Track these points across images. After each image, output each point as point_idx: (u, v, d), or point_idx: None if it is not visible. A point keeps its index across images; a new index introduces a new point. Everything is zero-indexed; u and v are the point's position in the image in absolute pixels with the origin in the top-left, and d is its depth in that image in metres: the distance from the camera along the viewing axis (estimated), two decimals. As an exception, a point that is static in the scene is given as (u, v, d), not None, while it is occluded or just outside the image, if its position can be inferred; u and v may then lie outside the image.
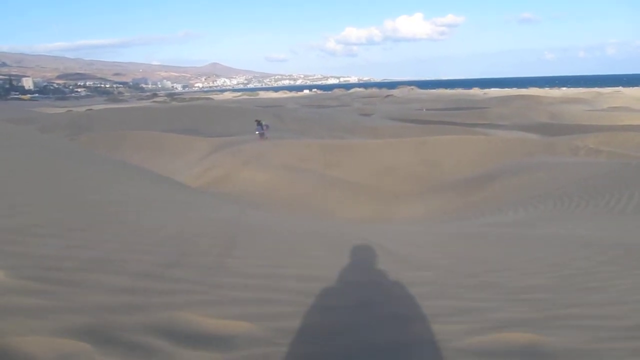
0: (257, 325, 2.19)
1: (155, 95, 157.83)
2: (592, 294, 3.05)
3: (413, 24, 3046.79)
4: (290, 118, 43.97)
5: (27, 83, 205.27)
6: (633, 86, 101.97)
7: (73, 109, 71.42)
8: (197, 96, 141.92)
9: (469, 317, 2.56)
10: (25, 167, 6.60)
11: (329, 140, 25.87)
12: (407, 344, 2.16)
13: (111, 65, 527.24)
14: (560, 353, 2.03)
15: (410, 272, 3.73)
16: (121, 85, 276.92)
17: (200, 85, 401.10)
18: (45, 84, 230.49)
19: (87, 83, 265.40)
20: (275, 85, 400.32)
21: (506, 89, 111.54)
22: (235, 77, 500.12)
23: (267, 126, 25.85)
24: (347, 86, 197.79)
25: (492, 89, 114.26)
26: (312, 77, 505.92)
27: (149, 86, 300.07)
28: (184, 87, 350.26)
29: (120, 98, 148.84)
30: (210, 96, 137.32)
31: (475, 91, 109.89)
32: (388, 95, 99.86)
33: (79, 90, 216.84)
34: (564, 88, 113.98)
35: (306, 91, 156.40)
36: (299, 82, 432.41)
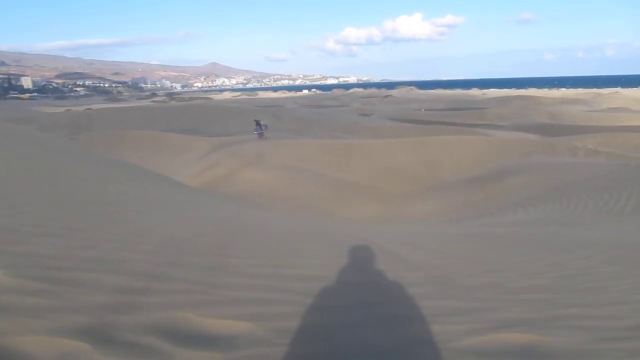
0: (257, 325, 2.19)
1: (154, 94, 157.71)
2: (592, 294, 3.05)
3: (412, 24, 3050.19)
4: (289, 118, 43.99)
5: (26, 82, 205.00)
6: (632, 87, 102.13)
7: (72, 109, 71.34)
8: (196, 96, 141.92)
9: (469, 317, 2.56)
10: (25, 167, 6.59)
11: (328, 141, 25.88)
12: (406, 344, 2.16)
13: (110, 64, 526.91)
14: (560, 353, 2.03)
15: (409, 272, 3.73)
16: (120, 85, 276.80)
17: (200, 85, 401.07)
18: (44, 83, 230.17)
19: (86, 82, 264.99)
20: (274, 85, 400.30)
21: (505, 90, 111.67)
22: (234, 77, 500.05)
23: (265, 126, 25.84)
24: (346, 86, 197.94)
25: (491, 90, 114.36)
26: (311, 77, 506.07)
27: (148, 86, 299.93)
28: (183, 86, 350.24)
29: (120, 97, 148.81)
30: (210, 96, 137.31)
31: (475, 92, 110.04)
32: (387, 96, 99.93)
33: (78, 89, 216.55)
34: (563, 89, 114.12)
35: (305, 91, 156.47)
36: (298, 82, 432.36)
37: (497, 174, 16.91)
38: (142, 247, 3.36)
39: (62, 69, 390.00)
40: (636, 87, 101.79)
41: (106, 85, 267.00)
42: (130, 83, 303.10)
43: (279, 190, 16.47)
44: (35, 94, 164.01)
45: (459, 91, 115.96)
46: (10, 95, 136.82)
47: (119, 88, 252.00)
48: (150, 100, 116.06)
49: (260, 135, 24.84)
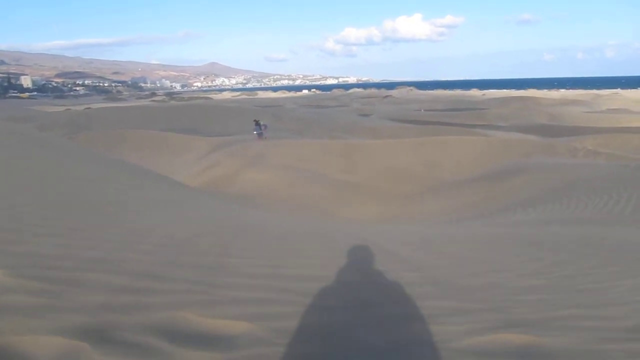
0: (257, 325, 2.19)
1: (154, 94, 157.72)
2: (592, 295, 3.06)
3: (412, 25, 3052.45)
4: (289, 118, 44.00)
5: (26, 81, 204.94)
6: (631, 88, 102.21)
7: (71, 108, 71.32)
8: (195, 95, 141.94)
9: (468, 317, 2.56)
10: (25, 166, 6.59)
11: (327, 141, 25.87)
12: (406, 344, 2.16)
13: (110, 64, 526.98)
14: (559, 354, 2.04)
15: (409, 272, 3.73)
16: (120, 84, 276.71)
17: (199, 84, 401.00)
18: (43, 82, 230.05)
19: (86, 82, 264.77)
20: (274, 85, 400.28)
21: (505, 90, 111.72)
22: (234, 77, 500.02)
23: (265, 126, 25.82)
24: (346, 86, 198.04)
25: (491, 90, 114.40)
26: (311, 77, 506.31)
27: (148, 85, 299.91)
28: (182, 86, 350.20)
29: (119, 97, 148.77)
30: (209, 96, 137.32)
31: (474, 92, 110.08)
32: (387, 96, 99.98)
33: (77, 88, 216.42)
34: (563, 89, 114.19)
35: (305, 91, 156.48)
36: (297, 82, 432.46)
37: (496, 174, 16.92)
38: (142, 247, 3.36)
39: (61, 68, 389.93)
40: (636, 88, 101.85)
41: (106, 84, 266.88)
42: (129, 82, 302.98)
43: (278, 190, 16.47)
44: (35, 93, 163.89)
45: (458, 92, 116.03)
46: (10, 95, 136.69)
47: (118, 87, 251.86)
48: (150, 99, 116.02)
49: (260, 135, 24.82)
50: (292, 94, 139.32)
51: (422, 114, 58.21)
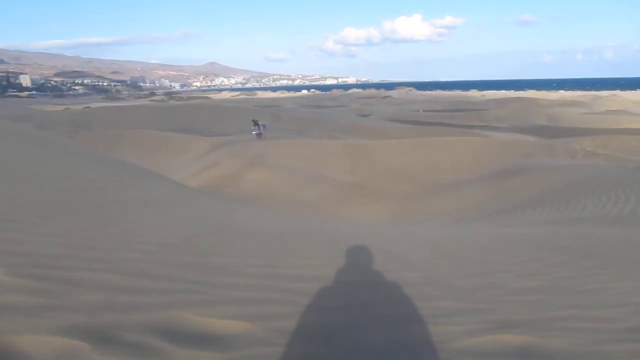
0: (256, 325, 2.19)
1: (153, 94, 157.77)
2: (591, 296, 3.06)
3: (412, 25, 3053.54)
4: (288, 118, 44.02)
5: (25, 80, 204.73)
6: (630, 89, 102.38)
7: (70, 107, 71.28)
8: (195, 95, 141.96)
9: (468, 318, 2.57)
10: (24, 166, 6.58)
11: (327, 141, 25.87)
12: (405, 344, 2.17)
13: (109, 63, 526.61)
14: (558, 355, 2.04)
15: (409, 272, 3.74)
16: (119, 84, 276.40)
17: (199, 84, 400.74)
18: (42, 81, 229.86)
19: (85, 81, 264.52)
20: (273, 85, 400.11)
21: (504, 91, 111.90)
22: (233, 77, 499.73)
23: (264, 126, 25.78)
24: (346, 87, 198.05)
25: (490, 91, 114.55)
26: (310, 77, 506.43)
27: (147, 85, 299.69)
28: (182, 86, 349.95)
29: (118, 96, 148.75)
30: (208, 95, 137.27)
31: (473, 93, 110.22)
32: (386, 96, 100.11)
33: (76, 88, 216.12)
34: (562, 91, 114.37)
35: (304, 91, 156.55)
36: (297, 82, 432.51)
37: (495, 175, 16.94)
38: (141, 247, 3.35)
39: (61, 67, 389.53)
40: (635, 89, 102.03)
41: (105, 84, 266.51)
42: (129, 82, 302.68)
43: (278, 190, 16.47)
44: (34, 92, 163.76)
45: (457, 92, 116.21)
46: (9, 94, 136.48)
47: (117, 87, 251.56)
48: (149, 99, 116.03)
49: (259, 135, 24.78)
50: (291, 94, 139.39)
51: (421, 114, 58.28)
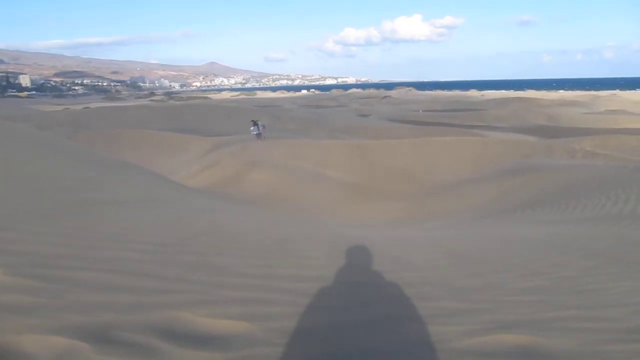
0: (256, 325, 2.19)
1: (152, 94, 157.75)
2: (591, 296, 3.06)
3: (412, 25, 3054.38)
4: (288, 118, 44.02)
5: (24, 80, 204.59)
6: (630, 89, 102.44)
7: (70, 107, 71.29)
8: (194, 95, 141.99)
9: (468, 318, 2.57)
10: (24, 166, 6.58)
11: (327, 141, 25.85)
12: (405, 344, 2.16)
13: (109, 63, 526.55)
14: (558, 355, 2.04)
15: (408, 272, 3.73)
16: (119, 84, 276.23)
17: (198, 84, 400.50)
18: (42, 81, 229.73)
19: (85, 81, 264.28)
20: (273, 85, 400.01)
21: (503, 91, 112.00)
22: (233, 77, 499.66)
23: (264, 126, 25.75)
24: (345, 87, 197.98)
25: (490, 91, 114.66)
26: (310, 78, 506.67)
27: (147, 85, 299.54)
28: (181, 86, 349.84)
29: (118, 96, 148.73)
30: (208, 95, 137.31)
31: (473, 93, 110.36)
32: (386, 97, 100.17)
33: (76, 88, 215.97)
34: (561, 91, 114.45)
35: (304, 91, 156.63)
36: (296, 82, 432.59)
37: (495, 176, 16.93)
38: (141, 247, 3.35)
39: (60, 67, 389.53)
40: (634, 89, 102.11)
41: (105, 84, 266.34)
42: (128, 82, 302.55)
43: (278, 191, 16.46)
44: (34, 92, 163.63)
45: (457, 92, 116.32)
46: (9, 94, 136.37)
47: (117, 87, 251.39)
48: (149, 99, 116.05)
49: (259, 135, 24.76)
50: (291, 94, 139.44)
51: (421, 114, 58.33)
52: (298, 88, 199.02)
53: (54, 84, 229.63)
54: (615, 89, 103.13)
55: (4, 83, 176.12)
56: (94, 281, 2.44)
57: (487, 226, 9.48)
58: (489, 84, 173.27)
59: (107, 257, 2.94)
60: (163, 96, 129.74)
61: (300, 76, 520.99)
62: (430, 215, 13.43)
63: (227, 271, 3.13)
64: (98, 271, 2.60)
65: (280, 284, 2.94)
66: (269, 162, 19.48)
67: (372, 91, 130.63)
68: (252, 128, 24.92)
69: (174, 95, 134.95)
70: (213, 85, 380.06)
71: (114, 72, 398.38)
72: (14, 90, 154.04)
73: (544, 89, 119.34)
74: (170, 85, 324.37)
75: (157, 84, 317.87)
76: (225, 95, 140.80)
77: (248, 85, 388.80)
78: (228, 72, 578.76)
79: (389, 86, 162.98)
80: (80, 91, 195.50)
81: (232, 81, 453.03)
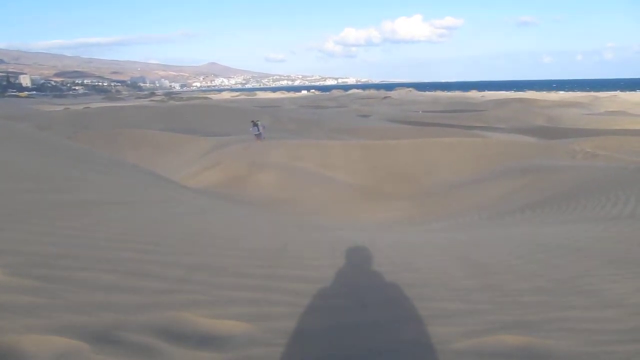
0: (256, 325, 2.19)
1: (153, 94, 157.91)
2: (590, 297, 3.06)
3: (412, 26, 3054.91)
4: (288, 119, 44.04)
5: (25, 80, 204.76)
6: (630, 90, 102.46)
7: (70, 107, 71.37)
8: (195, 95, 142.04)
9: (467, 319, 2.57)
10: (23, 166, 6.58)
11: (327, 141, 25.86)
12: (405, 345, 2.17)
13: (109, 63, 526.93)
14: (556, 356, 2.04)
15: (407, 273, 3.73)
16: (119, 84, 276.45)
17: (198, 84, 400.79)
18: (42, 81, 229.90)
19: (85, 81, 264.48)
20: (273, 85, 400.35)
21: (503, 92, 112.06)
22: (233, 77, 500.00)
23: (263, 126, 25.77)
24: (345, 87, 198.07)
25: (490, 92, 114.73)
26: (310, 78, 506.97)
27: (147, 85, 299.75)
28: (182, 86, 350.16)
29: (118, 96, 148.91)
30: (208, 96, 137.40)
31: (473, 94, 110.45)
32: (386, 97, 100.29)
33: (76, 88, 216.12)
34: (562, 92, 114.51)
35: (304, 92, 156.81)
36: (297, 83, 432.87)
37: (494, 177, 16.95)
38: (141, 247, 3.35)
39: (61, 67, 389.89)
40: (635, 90, 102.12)
41: (105, 84, 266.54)
42: (129, 82, 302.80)
43: (277, 191, 16.46)
44: (34, 92, 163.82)
45: (457, 93, 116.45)
46: (9, 94, 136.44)
47: (117, 87, 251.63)
48: (149, 99, 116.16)
49: (259, 136, 24.77)
50: (291, 94, 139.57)
51: (421, 115, 58.37)
52: (298, 88, 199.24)
53: (54, 84, 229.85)
54: (615, 90, 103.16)
55: (5, 83, 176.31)
56: (94, 281, 2.44)
57: (487, 227, 9.48)
58: (489, 85, 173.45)
59: (107, 257, 2.94)
60: (163, 96, 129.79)
61: (300, 77, 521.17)
62: (431, 217, 13.43)
63: (227, 271, 3.13)
64: (98, 271, 2.60)
65: (281, 284, 2.94)
66: (270, 163, 19.49)
67: (373, 92, 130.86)
68: (252, 128, 24.95)
69: (174, 96, 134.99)
70: (213, 86, 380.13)
71: (115, 72, 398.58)
72: (14, 90, 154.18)
73: (544, 90, 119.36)
74: (170, 86, 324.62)
75: (157, 84, 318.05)
76: (226, 95, 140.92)
77: (248, 86, 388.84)
78: (228, 72, 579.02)
79: (389, 87, 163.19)
80: (81, 91, 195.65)
81: (233, 81, 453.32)
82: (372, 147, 22.25)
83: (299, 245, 4.85)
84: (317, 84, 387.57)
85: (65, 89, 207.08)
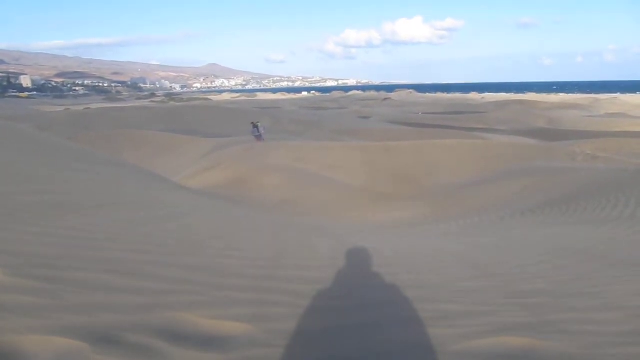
0: (255, 326, 2.19)
1: (153, 95, 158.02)
2: (590, 299, 3.06)
3: (412, 27, 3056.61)
4: (288, 120, 44.08)
5: (25, 81, 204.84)
6: (630, 92, 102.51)
7: (71, 108, 71.53)
8: (195, 96, 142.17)
9: (467, 320, 2.57)
10: (23, 166, 6.58)
11: (327, 143, 25.88)
12: (404, 346, 2.16)
13: (110, 64, 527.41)
14: (557, 358, 2.04)
15: (407, 274, 3.74)
16: (119, 85, 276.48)
17: (199, 85, 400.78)
18: (43, 82, 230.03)
19: (86, 82, 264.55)
20: (273, 86, 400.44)
21: (504, 94, 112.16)
22: (233, 78, 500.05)
23: (263, 128, 25.83)
24: (346, 89, 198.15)
25: (490, 94, 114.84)
26: (310, 79, 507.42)
27: (148, 86, 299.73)
28: (182, 87, 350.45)
29: (119, 97, 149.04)
30: (209, 97, 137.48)
31: (473, 95, 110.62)
32: (386, 99, 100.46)
33: (77, 88, 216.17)
34: (562, 94, 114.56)
35: (304, 93, 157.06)
36: (297, 84, 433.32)
37: (495, 178, 16.94)
38: (141, 247, 3.36)
39: (61, 68, 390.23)
40: (635, 92, 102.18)
41: (105, 84, 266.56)
42: (129, 83, 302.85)
43: (278, 192, 16.46)
44: (34, 92, 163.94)
45: (458, 95, 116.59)
46: (9, 94, 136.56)
47: (118, 88, 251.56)
48: (149, 100, 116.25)
49: (259, 137, 24.81)
50: (291, 95, 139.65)
51: (421, 116, 58.42)
52: (298, 90, 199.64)
53: (54, 84, 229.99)
54: (616, 92, 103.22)
55: (5, 83, 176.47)
56: (94, 282, 2.44)
57: (487, 229, 9.48)
58: (490, 87, 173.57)
59: (107, 257, 2.94)
60: (164, 97, 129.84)
61: (300, 78, 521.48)
62: (431, 218, 13.43)
63: (227, 272, 3.13)
64: (98, 272, 2.60)
65: (280, 285, 2.94)
66: (270, 164, 19.49)
67: (373, 93, 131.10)
68: (252, 130, 25.00)
69: (174, 97, 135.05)
70: (214, 87, 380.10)
71: (115, 73, 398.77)
72: (15, 91, 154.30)
73: (545, 92, 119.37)
74: (170, 87, 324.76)
75: (157, 85, 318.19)
76: (226, 96, 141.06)
77: (249, 87, 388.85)
78: (229, 73, 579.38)
79: (390, 88, 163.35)
80: (81, 92, 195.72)
81: (233, 83, 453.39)
82: (373, 149, 22.25)
83: (299, 246, 4.85)
84: (318, 85, 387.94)
85: (65, 89, 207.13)
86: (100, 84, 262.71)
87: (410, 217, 13.89)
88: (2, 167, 5.98)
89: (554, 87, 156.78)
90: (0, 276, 2.21)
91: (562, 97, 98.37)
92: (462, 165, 20.03)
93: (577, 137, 33.39)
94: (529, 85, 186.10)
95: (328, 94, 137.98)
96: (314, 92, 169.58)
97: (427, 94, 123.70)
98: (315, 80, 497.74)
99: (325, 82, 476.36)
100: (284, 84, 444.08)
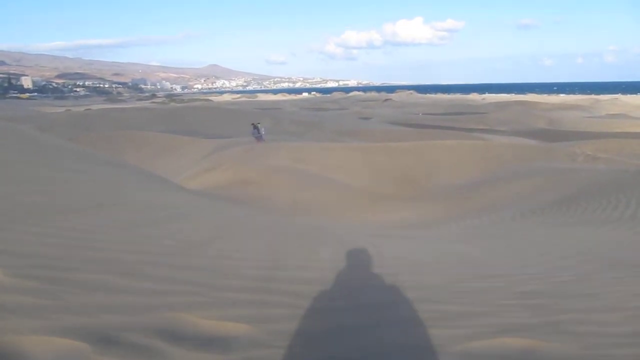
0: (256, 327, 2.19)
1: (154, 96, 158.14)
2: (591, 301, 3.06)
3: (413, 28, 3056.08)
4: (289, 121, 44.07)
5: (26, 82, 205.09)
6: (631, 93, 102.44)
7: (72, 109, 71.61)
8: (196, 97, 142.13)
9: (467, 321, 2.56)
10: (24, 167, 6.59)
11: (328, 144, 25.86)
12: (406, 347, 2.16)
13: (110, 65, 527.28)
14: (557, 359, 2.04)
15: (408, 275, 3.73)
16: (120, 86, 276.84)
17: (200, 86, 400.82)
18: (44, 83, 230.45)
19: (86, 83, 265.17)
20: (274, 87, 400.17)
21: (504, 95, 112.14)
22: (234, 79, 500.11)
23: (264, 129, 25.84)
24: (346, 89, 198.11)
25: (491, 94, 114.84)
26: (311, 80, 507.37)
27: (148, 87, 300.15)
28: (183, 88, 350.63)
29: (119, 98, 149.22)
30: (209, 98, 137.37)
31: (474, 96, 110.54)
32: (387, 99, 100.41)
33: (77, 89, 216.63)
34: (563, 94, 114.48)
35: (305, 94, 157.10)
36: (298, 85, 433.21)
37: (495, 179, 16.93)
38: (142, 248, 3.36)
39: (62, 69, 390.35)
40: (636, 93, 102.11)
41: (106, 85, 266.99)
42: (130, 84, 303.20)
43: (279, 192, 16.46)
44: (35, 93, 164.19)
45: (458, 95, 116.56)
46: (10, 95, 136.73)
47: (118, 89, 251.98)
48: (150, 101, 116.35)
49: (259, 138, 24.82)
50: (292, 96, 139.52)
51: (421, 117, 58.40)
52: (299, 91, 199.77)
53: (55, 85, 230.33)
54: (617, 93, 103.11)
55: (6, 84, 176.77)
56: (94, 282, 2.44)
57: (487, 230, 9.47)
58: (490, 87, 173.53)
59: (108, 258, 2.94)
60: (164, 98, 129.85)
61: (301, 79, 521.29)
62: (432, 218, 13.42)
63: (228, 273, 3.13)
64: (98, 273, 2.60)
65: (281, 286, 2.94)
66: (271, 165, 19.49)
67: (374, 94, 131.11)
68: (252, 131, 25.01)
69: (175, 98, 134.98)
70: (214, 88, 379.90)
71: (116, 74, 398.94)
72: (16, 92, 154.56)
73: (545, 93, 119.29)
74: (171, 88, 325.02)
75: (158, 86, 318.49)
76: (227, 97, 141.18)
77: (249, 88, 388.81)
78: (229, 74, 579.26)
79: (390, 89, 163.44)
80: (82, 93, 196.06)
81: (234, 84, 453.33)
82: (374, 150, 22.24)
83: (300, 247, 4.85)
84: (318, 86, 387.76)
85: (66, 90, 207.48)
86: (101, 85, 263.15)
87: (411, 218, 13.88)
88: (3, 167, 5.99)
89: (555, 88, 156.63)
90: (0, 276, 2.22)
91: (562, 98, 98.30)
92: (463, 166, 20.00)
93: (578, 138, 33.37)
94: (529, 86, 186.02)
95: (329, 95, 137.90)
96: (314, 93, 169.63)
97: (428, 95, 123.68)
98: (315, 81, 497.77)
99: (325, 83, 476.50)
100: (285, 85, 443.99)
